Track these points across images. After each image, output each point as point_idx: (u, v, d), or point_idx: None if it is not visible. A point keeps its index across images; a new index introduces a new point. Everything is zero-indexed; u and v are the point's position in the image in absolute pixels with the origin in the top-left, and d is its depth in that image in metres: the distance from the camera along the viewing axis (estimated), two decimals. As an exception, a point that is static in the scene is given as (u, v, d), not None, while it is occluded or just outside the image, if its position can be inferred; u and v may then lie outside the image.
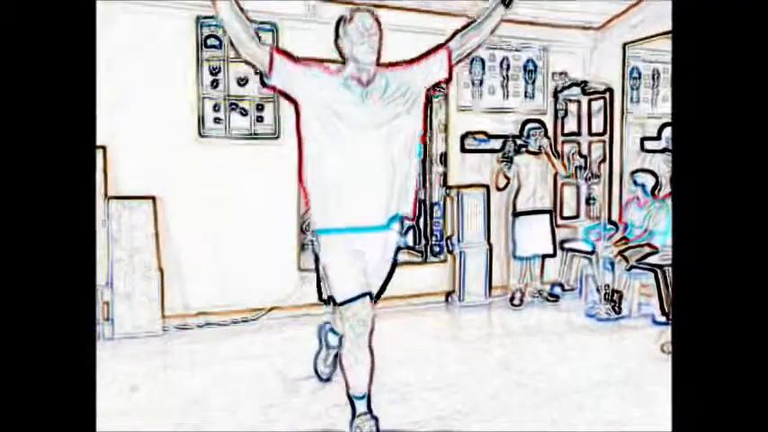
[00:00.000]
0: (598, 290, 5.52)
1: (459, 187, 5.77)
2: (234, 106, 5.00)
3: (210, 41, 4.89)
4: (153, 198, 4.74)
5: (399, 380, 3.61)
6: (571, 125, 6.29)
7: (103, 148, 4.51)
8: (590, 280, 5.76)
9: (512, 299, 5.78)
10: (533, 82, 6.19)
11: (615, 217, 5.90)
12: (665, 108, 6.30)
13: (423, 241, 5.81)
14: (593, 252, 5.70)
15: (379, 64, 2.74)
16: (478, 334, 5.14)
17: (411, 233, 3.01)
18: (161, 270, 4.77)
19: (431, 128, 5.68)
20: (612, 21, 6.00)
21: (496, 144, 5.78)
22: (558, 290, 5.99)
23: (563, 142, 6.31)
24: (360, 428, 2.85)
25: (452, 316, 5.54)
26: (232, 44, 2.69)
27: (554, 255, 5.92)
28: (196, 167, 4.81)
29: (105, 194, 4.61)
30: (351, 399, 2.91)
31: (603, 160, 6.01)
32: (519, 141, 5.77)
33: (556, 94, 6.24)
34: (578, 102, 6.22)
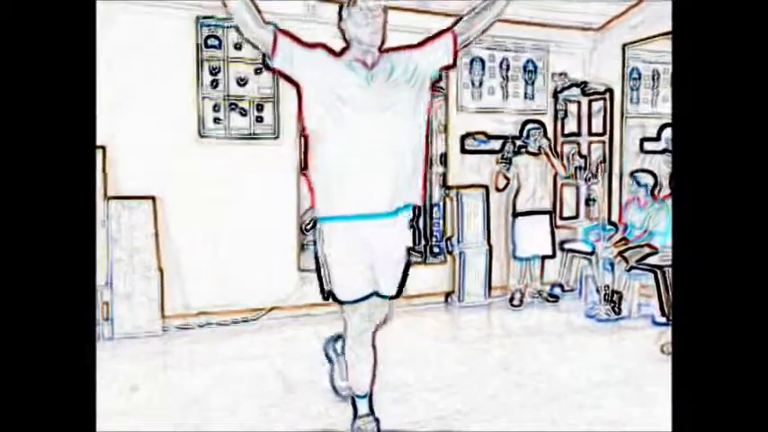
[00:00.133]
0: (598, 290, 5.52)
1: (458, 188, 5.77)
2: (233, 106, 5.00)
3: (210, 42, 4.89)
4: (153, 198, 4.75)
5: (399, 380, 3.60)
6: (571, 126, 6.29)
7: (103, 148, 4.51)
8: (590, 280, 5.76)
9: (511, 299, 5.78)
10: (533, 83, 6.20)
11: (615, 217, 5.91)
12: (664, 108, 6.30)
13: (422, 242, 5.81)
14: (592, 253, 5.70)
15: (383, 48, 2.68)
16: (478, 334, 5.14)
17: (412, 233, 2.90)
18: (161, 270, 4.77)
19: (430, 128, 5.68)
20: (612, 21, 6.00)
21: (496, 145, 5.78)
22: (557, 290, 5.99)
23: (563, 143, 6.31)
24: (361, 430, 2.84)
25: (452, 316, 5.54)
26: (236, 27, 2.58)
27: (553, 255, 5.92)
28: (196, 167, 4.81)
29: (105, 194, 4.61)
30: (352, 398, 2.90)
31: (604, 161, 6.01)
32: (518, 142, 5.77)
33: (556, 94, 6.24)
34: (578, 102, 6.23)
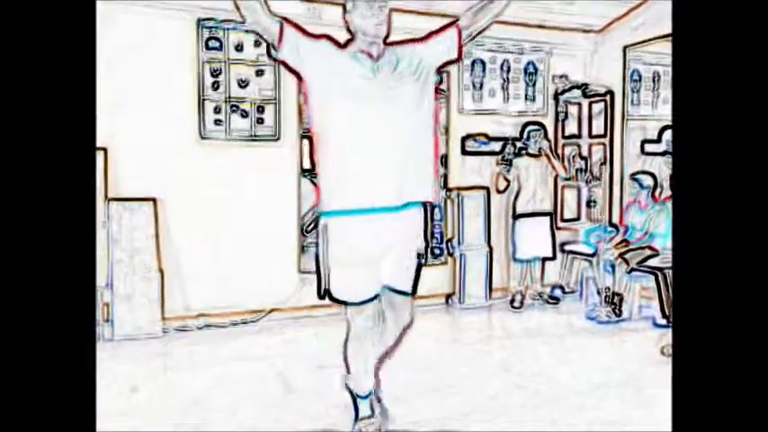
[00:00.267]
0: (599, 292, 5.52)
1: (459, 189, 5.77)
2: (234, 108, 5.00)
3: (211, 43, 4.90)
4: (153, 199, 4.75)
5: (400, 381, 3.60)
6: (572, 128, 6.29)
7: (104, 149, 4.51)
8: (590, 282, 5.76)
9: (512, 301, 5.77)
10: (534, 84, 6.20)
11: (615, 219, 5.91)
12: (665, 110, 6.30)
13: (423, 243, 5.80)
14: (593, 254, 5.70)
15: (388, 42, 2.66)
16: (479, 336, 5.13)
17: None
18: (161, 271, 4.77)
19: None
20: (613, 24, 6.00)
21: (497, 146, 5.78)
22: (558, 292, 5.98)
23: (563, 145, 6.31)
24: None
25: (453, 318, 5.53)
26: (240, 13, 2.55)
27: (554, 257, 5.92)
28: (197, 169, 4.82)
29: (106, 196, 4.62)
30: (354, 399, 2.89)
31: (605, 162, 6.01)
32: (519, 144, 5.77)
33: (556, 96, 6.24)
34: (579, 104, 6.23)
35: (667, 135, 5.88)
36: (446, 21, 2.78)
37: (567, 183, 6.14)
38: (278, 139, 5.13)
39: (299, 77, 2.64)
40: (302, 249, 5.30)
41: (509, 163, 5.64)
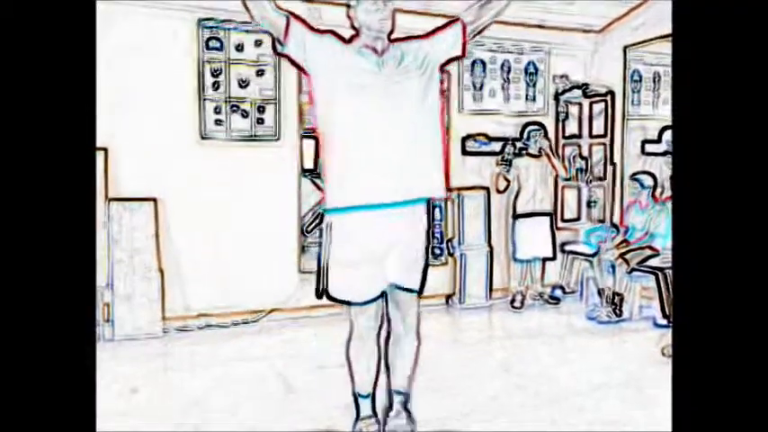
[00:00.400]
0: (599, 293, 5.52)
1: (459, 189, 5.77)
2: (235, 108, 5.00)
3: (212, 43, 4.90)
4: (154, 200, 4.75)
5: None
6: (572, 128, 6.29)
7: (105, 149, 4.52)
8: (591, 282, 5.76)
9: (512, 301, 5.78)
10: (534, 85, 6.20)
11: (615, 219, 5.91)
12: (665, 111, 6.30)
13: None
14: (593, 255, 5.70)
15: (392, 39, 2.65)
16: (479, 336, 5.14)
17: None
18: (161, 271, 4.77)
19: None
20: (613, 24, 6.00)
21: (497, 146, 5.78)
22: (558, 292, 5.98)
23: (564, 145, 6.31)
24: None
25: (453, 318, 5.53)
26: (248, 9, 2.50)
27: (554, 258, 5.92)
28: (197, 169, 4.83)
29: (106, 196, 4.62)
30: (356, 398, 2.88)
31: (610, 162, 6.00)
32: (519, 144, 5.77)
33: (557, 96, 6.24)
34: (579, 104, 6.23)
35: (667, 135, 5.88)
36: (446, 21, 2.78)
37: (567, 183, 6.14)
38: (278, 139, 5.13)
39: (305, 72, 2.63)
40: (302, 249, 5.30)
41: (509, 163, 5.64)
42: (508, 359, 4.30)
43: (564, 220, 6.23)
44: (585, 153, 6.18)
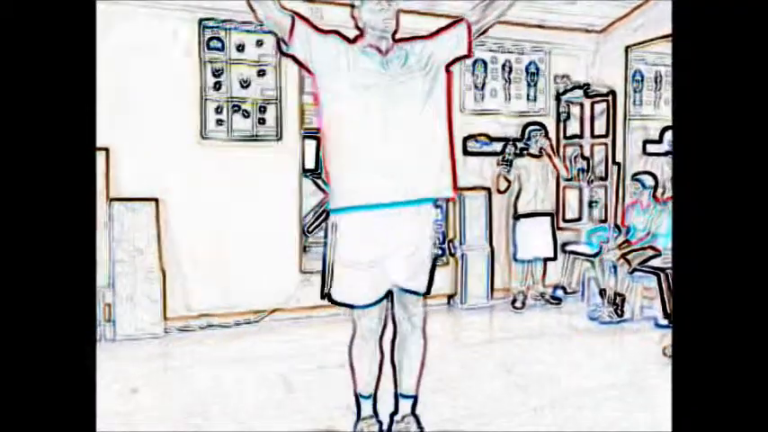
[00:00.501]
0: (600, 293, 5.52)
1: (460, 190, 5.76)
2: (236, 108, 5.01)
3: (213, 43, 4.91)
4: (155, 200, 4.75)
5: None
6: (573, 128, 6.28)
7: (106, 149, 4.53)
8: (592, 283, 5.76)
9: (514, 302, 5.77)
10: (535, 85, 6.19)
11: (616, 219, 5.90)
12: (667, 111, 6.29)
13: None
14: (595, 255, 5.70)
15: (396, 39, 2.64)
16: (480, 336, 5.14)
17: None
18: (163, 272, 4.78)
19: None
20: (615, 24, 5.99)
21: (498, 147, 5.77)
22: (560, 293, 5.98)
23: (565, 145, 6.30)
24: None
25: (454, 318, 5.53)
26: (253, 10, 2.49)
27: (554, 258, 5.91)
28: (198, 169, 4.83)
29: (107, 196, 4.63)
30: (357, 399, 2.87)
31: (612, 162, 5.99)
32: (520, 144, 5.76)
33: (558, 96, 6.23)
34: (581, 104, 6.22)
35: (669, 135, 5.87)
36: (450, 21, 2.77)
37: (568, 183, 6.13)
38: (279, 139, 5.14)
39: (309, 72, 2.62)
40: (304, 250, 5.30)
41: (509, 163, 5.64)
42: (509, 359, 4.29)
43: (565, 221, 6.22)
44: (587, 153, 6.17)
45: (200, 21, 4.85)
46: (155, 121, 4.70)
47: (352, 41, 2.65)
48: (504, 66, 6.04)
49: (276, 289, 5.08)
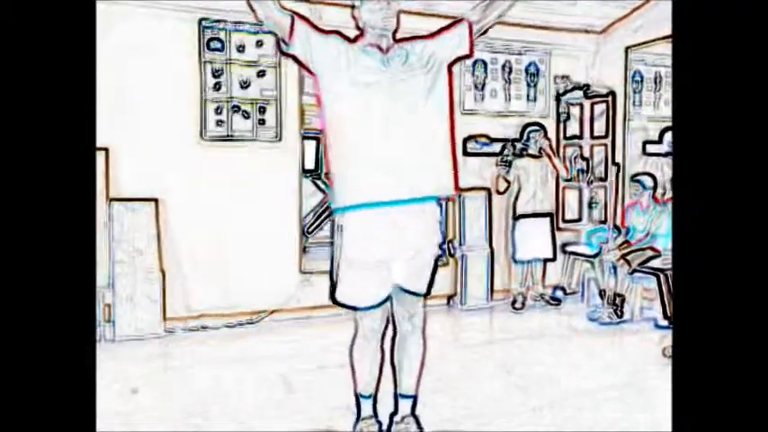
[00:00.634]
0: (600, 294, 5.52)
1: (460, 190, 5.76)
2: (236, 108, 5.01)
3: (213, 44, 4.91)
4: (155, 200, 4.75)
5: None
6: (573, 128, 6.28)
7: (106, 150, 4.52)
8: (592, 284, 5.76)
9: (513, 302, 5.77)
10: (535, 85, 6.20)
11: (616, 220, 5.90)
12: (667, 111, 6.29)
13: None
14: (594, 256, 5.70)
15: (397, 39, 2.65)
16: (480, 337, 5.14)
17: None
18: (163, 272, 4.78)
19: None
20: (615, 24, 5.99)
21: (498, 147, 5.78)
22: (559, 293, 5.97)
23: (565, 145, 6.30)
24: None
25: (454, 319, 5.53)
26: (251, 7, 2.49)
27: (554, 259, 5.92)
28: (198, 169, 4.83)
29: (107, 196, 4.62)
30: (357, 399, 2.87)
31: (611, 163, 5.99)
32: (519, 145, 5.76)
33: (558, 97, 6.23)
34: (580, 105, 6.22)
35: (669, 136, 5.88)
36: (451, 21, 2.78)
37: (568, 184, 6.14)
38: (279, 139, 5.13)
39: (310, 72, 2.63)
40: (304, 250, 5.31)
41: (508, 164, 5.64)
42: (509, 360, 4.29)
43: (565, 221, 6.22)
44: (587, 154, 6.17)
45: (200, 21, 4.86)
46: (154, 122, 4.69)
47: (352, 41, 2.66)
48: (504, 66, 6.05)
49: (276, 289, 5.08)
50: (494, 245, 5.83)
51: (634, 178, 5.58)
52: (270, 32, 2.68)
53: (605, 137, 6.00)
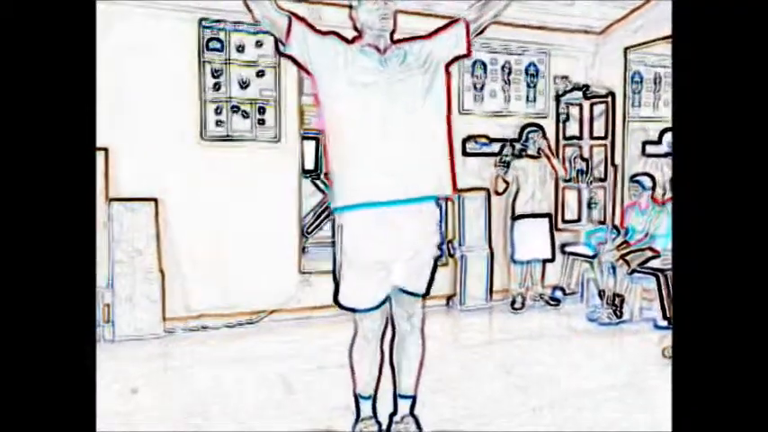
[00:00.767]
0: (599, 294, 5.52)
1: (460, 191, 5.75)
2: (235, 109, 5.01)
3: (212, 44, 4.91)
4: (154, 200, 4.75)
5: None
6: (573, 129, 6.28)
7: (105, 150, 4.52)
8: (591, 284, 5.76)
9: (513, 303, 5.77)
10: (535, 86, 6.20)
11: (615, 221, 5.90)
12: (666, 112, 6.30)
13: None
14: (594, 256, 5.70)
15: (395, 40, 2.65)
16: (479, 338, 5.14)
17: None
18: (162, 272, 4.78)
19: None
20: (614, 25, 6.00)
21: (498, 148, 5.78)
22: (559, 294, 5.97)
23: (564, 146, 6.30)
24: None
25: (453, 320, 5.53)
26: (248, 8, 2.50)
27: (552, 259, 5.92)
28: (198, 170, 4.83)
29: (107, 196, 4.62)
30: (357, 399, 2.87)
31: (611, 164, 5.99)
32: (518, 145, 5.76)
33: (557, 97, 6.24)
34: (580, 106, 6.22)
35: (668, 137, 5.88)
36: (448, 21, 2.78)
37: (567, 184, 6.14)
38: (279, 139, 5.13)
39: (308, 73, 2.63)
40: (303, 250, 5.30)
41: (507, 165, 5.64)
42: (508, 360, 4.29)
43: (564, 222, 6.22)
44: (586, 154, 6.17)
45: (200, 21, 4.86)
46: (154, 122, 4.69)
47: (350, 42, 2.66)
48: (503, 67, 6.05)
49: (276, 289, 5.08)
50: (493, 245, 5.83)
51: (633, 179, 5.58)
52: (268, 33, 2.68)
53: (605, 137, 6.01)
